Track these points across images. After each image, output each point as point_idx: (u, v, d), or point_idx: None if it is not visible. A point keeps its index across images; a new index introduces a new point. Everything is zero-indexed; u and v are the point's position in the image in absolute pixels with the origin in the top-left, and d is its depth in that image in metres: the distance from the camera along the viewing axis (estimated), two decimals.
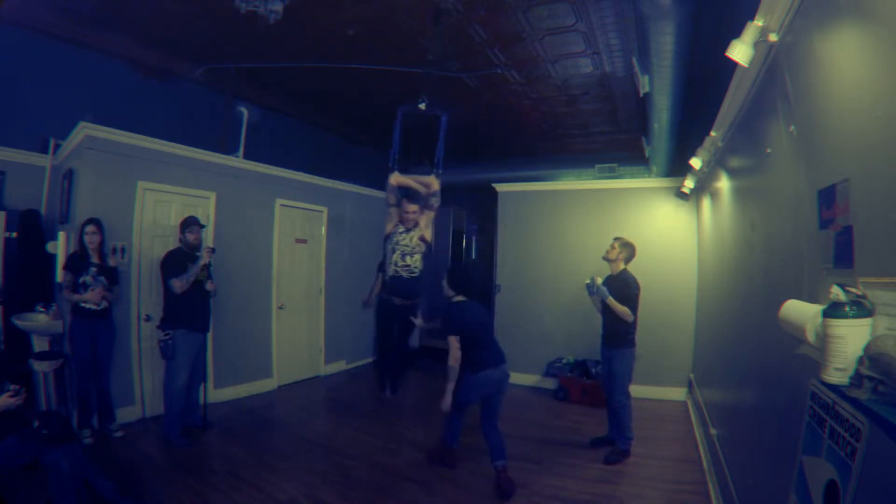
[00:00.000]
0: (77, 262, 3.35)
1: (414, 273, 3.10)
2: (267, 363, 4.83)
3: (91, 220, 3.39)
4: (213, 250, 3.61)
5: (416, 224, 3.14)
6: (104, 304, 3.37)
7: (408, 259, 3.09)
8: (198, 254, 3.54)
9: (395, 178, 3.10)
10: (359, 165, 6.94)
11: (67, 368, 3.43)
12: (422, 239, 3.15)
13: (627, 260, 3.51)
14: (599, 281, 3.42)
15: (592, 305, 3.67)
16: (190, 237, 3.55)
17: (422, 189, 3.17)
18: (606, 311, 3.45)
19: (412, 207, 3.12)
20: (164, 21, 3.67)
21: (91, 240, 3.36)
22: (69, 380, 3.44)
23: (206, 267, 3.57)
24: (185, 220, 3.63)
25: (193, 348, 3.53)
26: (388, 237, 3.16)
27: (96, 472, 2.36)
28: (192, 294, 3.47)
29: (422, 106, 3.09)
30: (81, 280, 3.31)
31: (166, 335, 3.39)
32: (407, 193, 3.16)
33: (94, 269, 3.34)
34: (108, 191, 3.62)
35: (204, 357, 3.75)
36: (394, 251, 3.10)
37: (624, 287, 3.37)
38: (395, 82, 4.55)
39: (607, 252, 3.53)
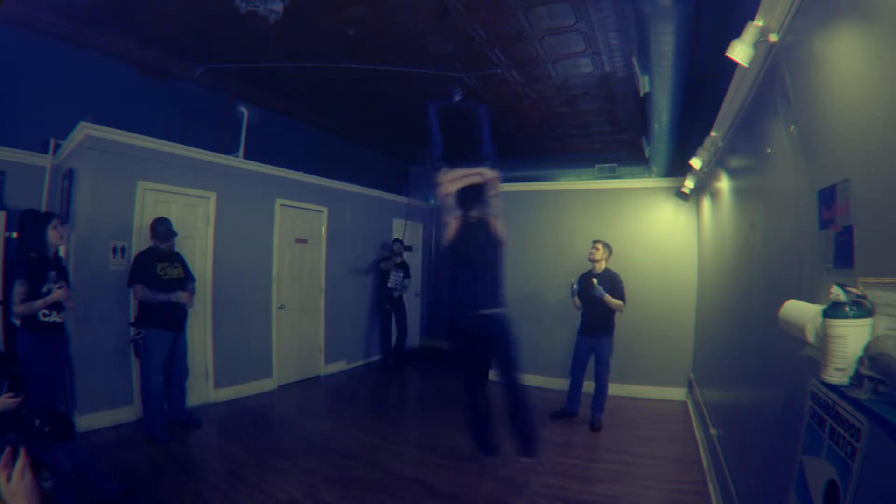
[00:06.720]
0: (38, 266, 2.80)
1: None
2: (267, 363, 4.83)
3: (54, 214, 2.95)
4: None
5: None
6: (61, 314, 2.91)
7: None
8: (176, 264, 3.56)
9: (448, 179, 2.79)
10: (359, 165, 6.93)
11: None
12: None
13: (608, 259, 4.01)
14: (595, 282, 3.83)
15: (573, 304, 4.11)
16: (163, 246, 3.49)
17: (478, 180, 2.87)
18: (593, 304, 3.87)
19: (474, 214, 2.88)
20: (164, 21, 3.67)
21: (59, 234, 2.90)
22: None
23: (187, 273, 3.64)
24: (155, 226, 3.47)
25: (167, 347, 3.46)
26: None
27: (98, 470, 2.36)
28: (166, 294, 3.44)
29: (457, 98, 2.94)
30: (45, 288, 2.79)
31: (137, 334, 3.34)
32: (463, 198, 2.84)
33: (53, 274, 2.85)
34: (108, 191, 3.62)
35: (183, 356, 3.63)
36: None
37: (615, 283, 3.86)
38: (395, 82, 4.55)
39: (592, 253, 3.99)
